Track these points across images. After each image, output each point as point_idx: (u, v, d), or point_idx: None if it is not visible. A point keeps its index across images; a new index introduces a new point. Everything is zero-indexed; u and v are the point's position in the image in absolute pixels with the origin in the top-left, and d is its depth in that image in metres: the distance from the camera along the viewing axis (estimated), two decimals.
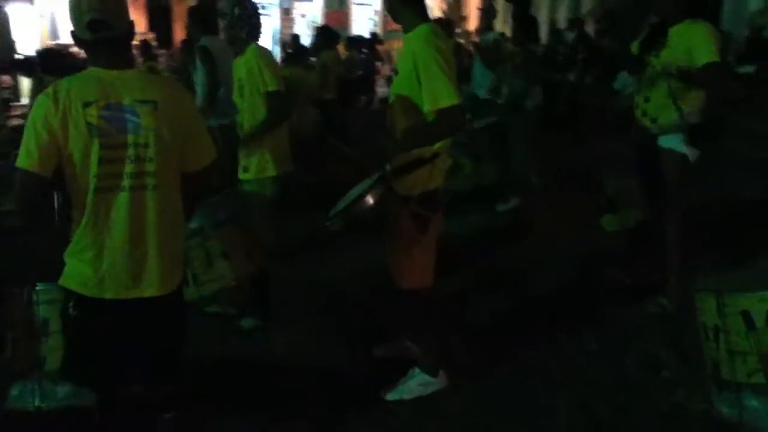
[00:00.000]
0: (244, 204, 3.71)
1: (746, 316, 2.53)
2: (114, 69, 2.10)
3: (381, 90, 14.82)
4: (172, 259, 2.20)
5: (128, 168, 2.07)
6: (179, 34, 18.91)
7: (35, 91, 7.10)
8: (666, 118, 3.77)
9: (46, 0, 17.02)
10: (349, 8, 23.07)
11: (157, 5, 19.06)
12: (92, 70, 2.10)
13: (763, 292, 2.53)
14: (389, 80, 11.33)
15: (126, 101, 2.06)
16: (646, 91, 3.87)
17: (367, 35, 17.38)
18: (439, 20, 7.70)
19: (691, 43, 3.59)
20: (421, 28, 2.73)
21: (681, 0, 3.72)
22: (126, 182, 2.07)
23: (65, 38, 16.53)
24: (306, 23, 22.78)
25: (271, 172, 3.71)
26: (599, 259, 4.81)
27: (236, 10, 3.66)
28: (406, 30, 2.80)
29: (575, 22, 12.77)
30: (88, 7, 2.01)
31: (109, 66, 2.10)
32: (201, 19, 5.32)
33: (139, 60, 9.75)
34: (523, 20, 6.25)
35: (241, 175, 3.78)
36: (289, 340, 3.78)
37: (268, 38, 20.95)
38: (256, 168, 3.71)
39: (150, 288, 2.13)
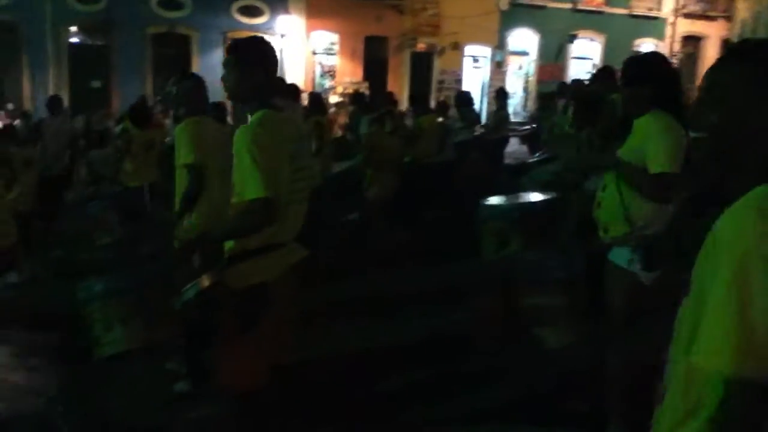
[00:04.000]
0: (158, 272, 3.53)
1: None
2: None
3: None
4: None
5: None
6: (392, 84, 19.72)
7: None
8: (615, 229, 3.08)
9: (277, 51, 18.63)
10: (566, 61, 22.39)
11: (373, 57, 20.02)
12: None
13: None
14: None
15: None
16: (600, 194, 3.20)
17: None
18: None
19: (645, 144, 2.96)
20: (256, 115, 2.61)
21: (645, 95, 3.00)
22: None
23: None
24: (520, 75, 22.60)
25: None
26: None
27: (173, 89, 3.92)
28: (250, 113, 2.66)
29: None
30: None
31: None
32: None
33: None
34: (586, 103, 5.45)
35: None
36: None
37: (477, 90, 21.10)
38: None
39: None
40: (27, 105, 15.41)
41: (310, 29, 19.12)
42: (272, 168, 2.46)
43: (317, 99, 7.69)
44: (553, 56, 22.06)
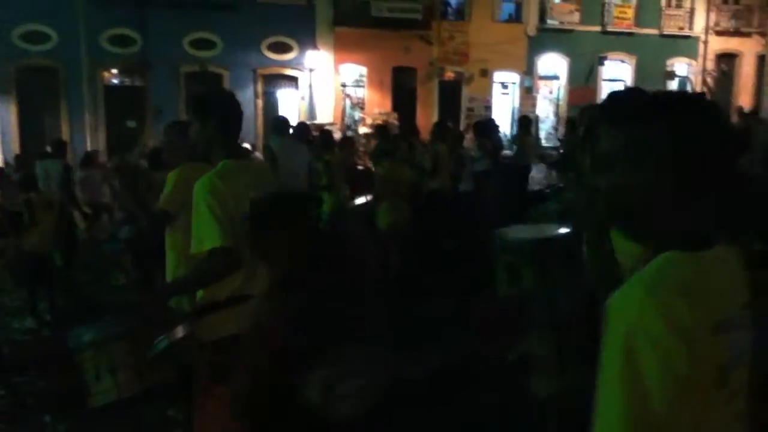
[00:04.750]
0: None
1: None
2: None
3: None
4: None
5: None
6: (421, 113, 19.81)
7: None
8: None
9: (307, 85, 18.97)
10: (598, 84, 22.18)
11: (402, 87, 20.17)
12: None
13: None
14: None
15: None
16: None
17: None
18: None
19: None
20: (217, 166, 2.63)
21: None
22: None
23: (321, 119, 18.22)
24: (551, 100, 22.47)
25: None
26: None
27: (171, 137, 3.87)
28: (213, 163, 2.67)
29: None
30: None
31: None
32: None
33: None
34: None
35: None
36: None
37: (506, 117, 21.04)
38: None
39: None
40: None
41: (338, 62, 19.40)
42: (230, 218, 2.47)
43: (325, 137, 7.77)
44: (583, 79, 21.90)
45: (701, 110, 1.12)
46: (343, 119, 19.61)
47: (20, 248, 5.53)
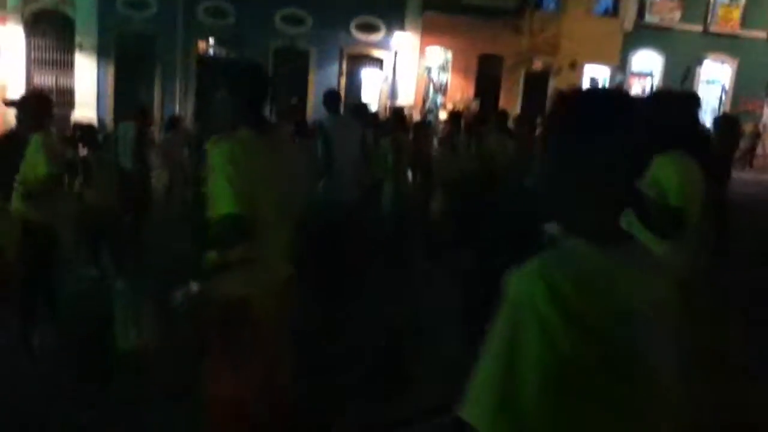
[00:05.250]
0: None
1: None
2: None
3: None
4: None
5: None
6: (504, 102, 19.49)
7: None
8: None
9: (391, 66, 19.01)
10: (694, 85, 21.16)
11: (486, 75, 19.89)
12: None
13: None
14: None
15: None
16: None
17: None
18: None
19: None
20: (240, 135, 2.64)
21: None
22: None
23: (402, 101, 18.26)
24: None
25: None
26: None
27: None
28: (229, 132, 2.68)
29: None
30: None
31: None
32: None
33: None
34: None
35: None
36: None
37: None
38: None
39: None
40: (156, 113, 16.61)
41: (424, 45, 19.32)
42: (245, 187, 2.51)
43: (398, 115, 7.68)
44: (678, 79, 20.98)
45: (610, 122, 1.18)
46: (424, 103, 19.56)
47: (82, 202, 5.86)
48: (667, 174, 2.77)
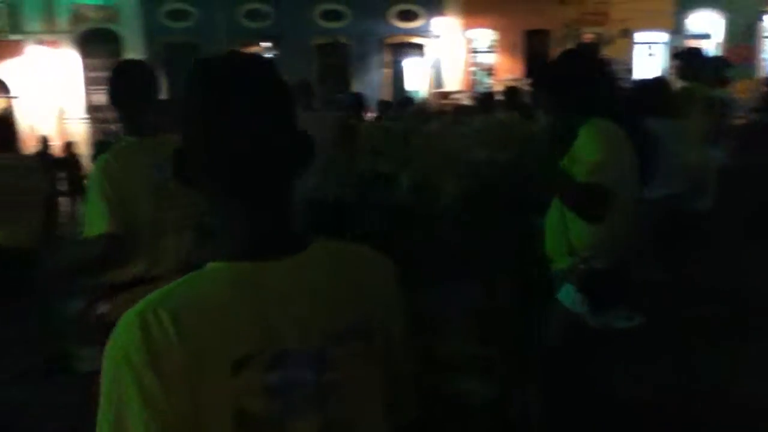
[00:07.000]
0: None
1: None
2: None
3: None
4: None
5: None
6: None
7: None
8: (560, 261, 2.62)
9: (434, 54, 18.75)
10: (758, 41, 20.03)
11: (534, 52, 19.36)
12: None
13: None
14: None
15: None
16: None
17: None
18: None
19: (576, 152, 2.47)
20: (119, 144, 2.52)
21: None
22: None
23: (448, 86, 17.99)
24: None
25: None
26: None
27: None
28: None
29: None
30: None
31: None
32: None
33: None
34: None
35: None
36: None
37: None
38: None
39: None
40: None
41: (466, 28, 18.95)
42: (122, 201, 2.32)
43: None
44: (740, 38, 19.86)
45: None
46: (472, 87, 19.20)
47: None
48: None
